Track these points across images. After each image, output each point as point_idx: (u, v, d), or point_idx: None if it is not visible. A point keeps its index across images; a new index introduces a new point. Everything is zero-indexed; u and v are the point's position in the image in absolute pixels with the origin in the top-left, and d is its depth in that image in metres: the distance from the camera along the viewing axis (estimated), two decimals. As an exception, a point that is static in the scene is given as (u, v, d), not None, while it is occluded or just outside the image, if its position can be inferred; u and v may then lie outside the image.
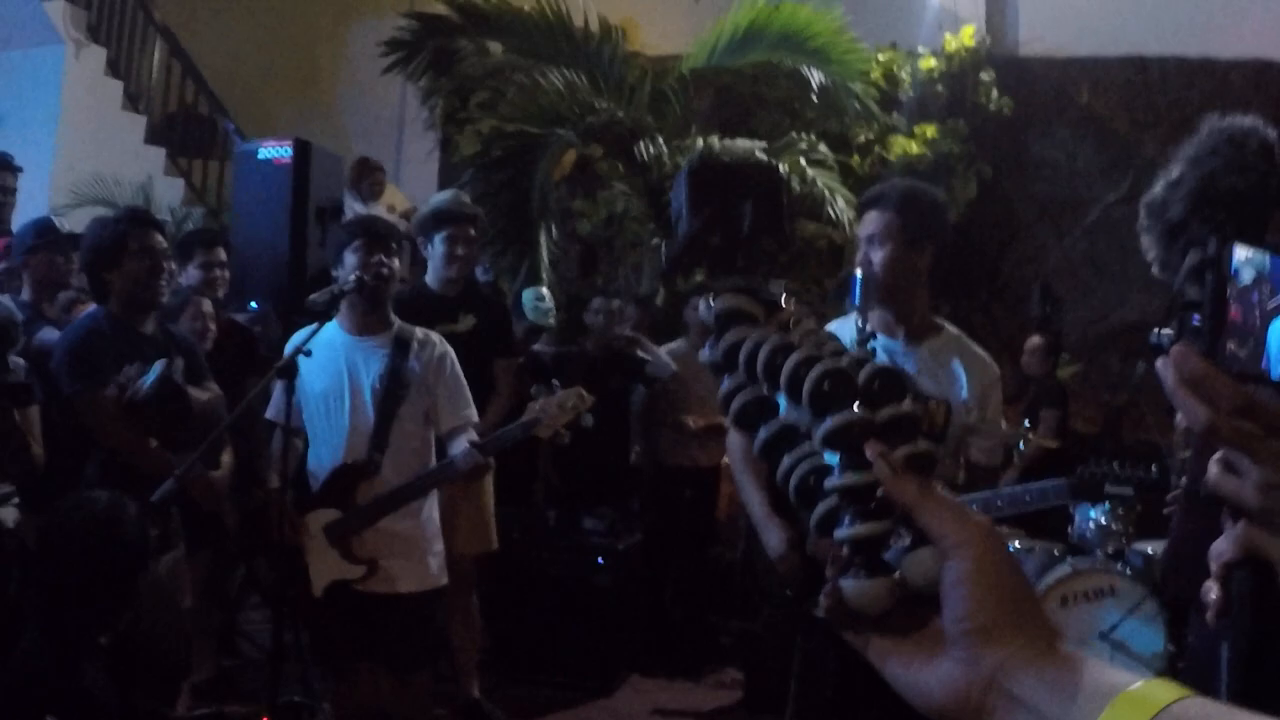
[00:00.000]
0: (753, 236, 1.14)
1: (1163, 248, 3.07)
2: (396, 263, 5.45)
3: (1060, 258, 11.78)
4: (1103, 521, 7.31)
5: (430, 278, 6.80)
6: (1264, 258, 1.28)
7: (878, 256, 4.35)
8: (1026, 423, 8.98)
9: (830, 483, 1.04)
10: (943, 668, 0.97)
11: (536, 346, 8.67)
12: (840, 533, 1.03)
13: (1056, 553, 7.23)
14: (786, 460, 1.07)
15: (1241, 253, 1.26)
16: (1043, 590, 6.75)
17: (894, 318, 4.44)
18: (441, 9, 11.35)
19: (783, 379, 1.07)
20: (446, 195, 7.63)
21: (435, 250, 6.75)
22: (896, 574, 1.01)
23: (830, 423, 1.03)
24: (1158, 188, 3.08)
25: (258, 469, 5.76)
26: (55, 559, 4.07)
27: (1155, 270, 3.20)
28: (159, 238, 5.51)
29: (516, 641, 7.96)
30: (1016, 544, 7.29)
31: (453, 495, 6.06)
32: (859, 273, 4.23)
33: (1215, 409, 1.14)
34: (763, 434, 1.10)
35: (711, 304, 1.13)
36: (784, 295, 1.14)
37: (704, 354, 1.15)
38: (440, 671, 6.20)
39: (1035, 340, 9.86)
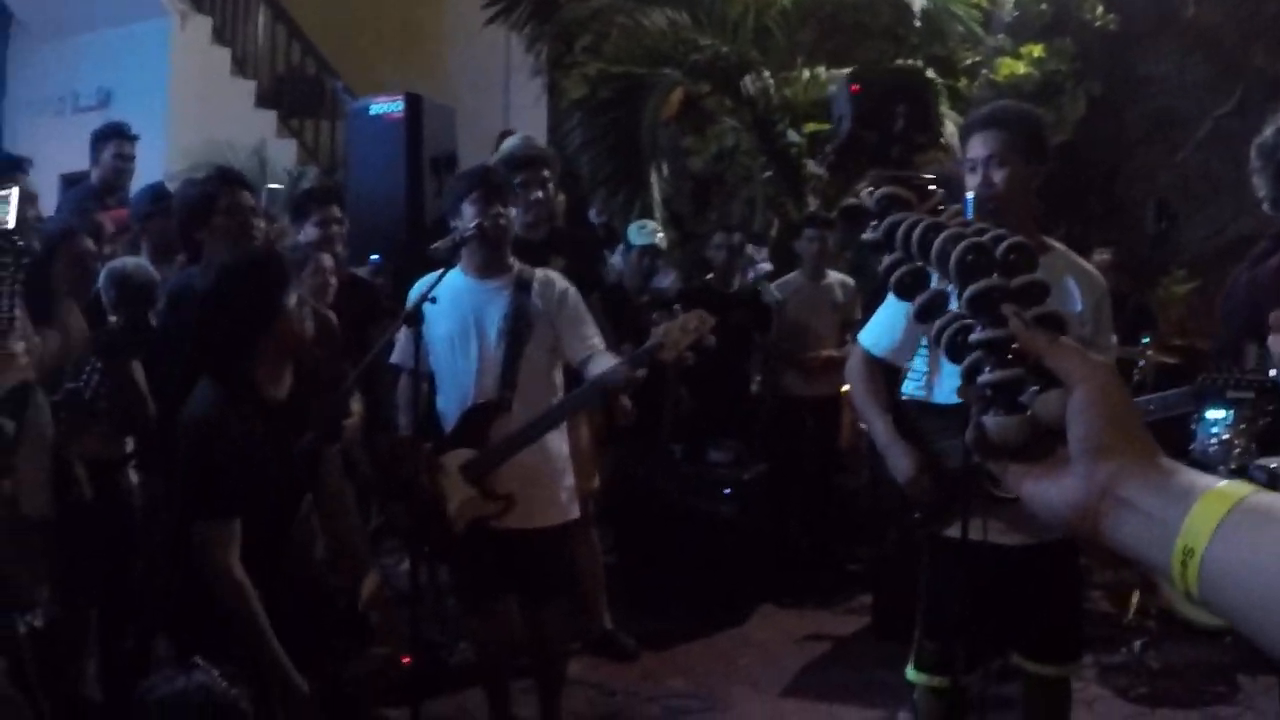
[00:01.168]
0: (906, 134, 1.27)
1: (1275, 187, 3.30)
2: (513, 211, 5.55)
3: (1173, 173, 11.65)
4: (1225, 436, 7.25)
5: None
6: None
7: (998, 175, 4.38)
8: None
9: (974, 338, 1.24)
10: (1066, 482, 1.18)
11: (659, 283, 8.74)
12: (983, 379, 1.23)
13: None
14: (938, 323, 1.28)
15: None
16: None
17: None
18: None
19: (933, 253, 1.28)
20: (516, 140, 7.70)
21: None
22: (1029, 412, 1.21)
23: (973, 289, 1.24)
24: (1268, 131, 3.11)
25: (386, 415, 5.89)
26: None
27: (1267, 208, 3.29)
28: (247, 195, 5.62)
29: (647, 574, 8.08)
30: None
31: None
32: (971, 194, 4.25)
33: None
34: (919, 300, 1.32)
35: (873, 191, 1.28)
36: (932, 182, 1.30)
37: (866, 235, 1.37)
38: (573, 604, 6.29)
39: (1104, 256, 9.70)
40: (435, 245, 5.19)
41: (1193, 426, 7.40)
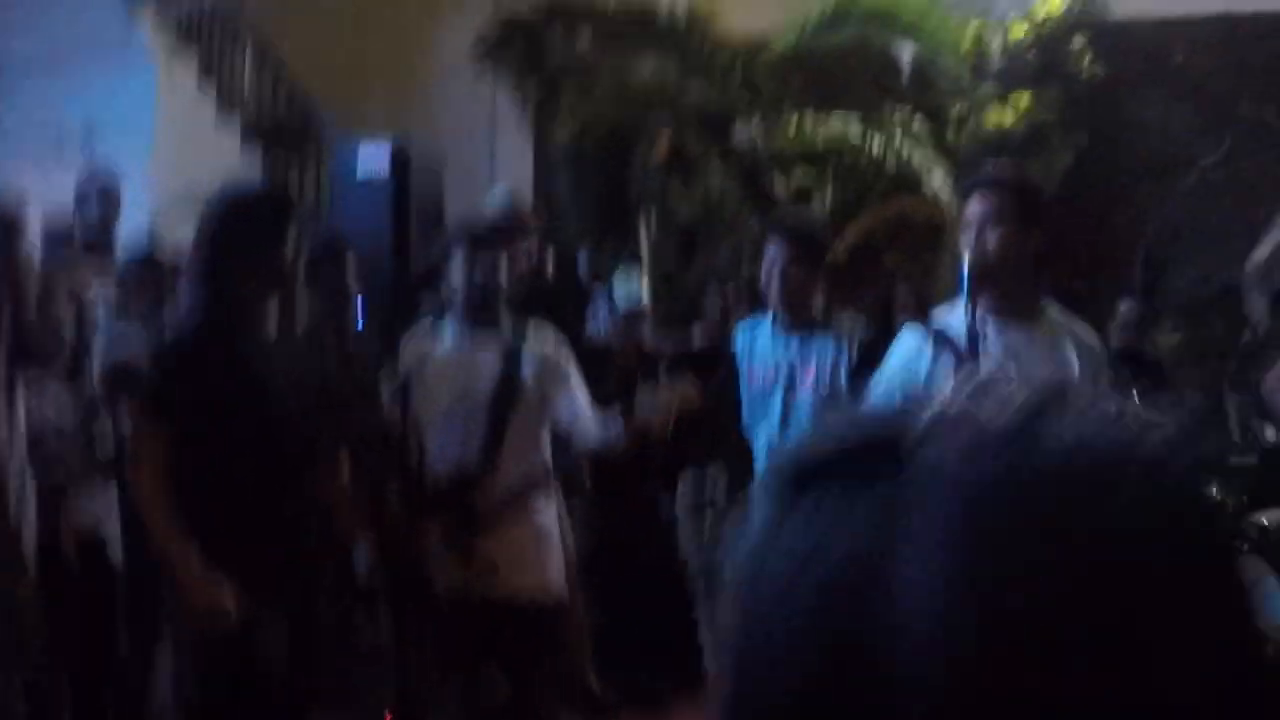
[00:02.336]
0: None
1: (1268, 314, 3.12)
2: (505, 263, 5.51)
3: (1160, 223, 11.62)
4: (1216, 495, 7.21)
5: None
6: None
7: (993, 238, 4.36)
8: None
9: None
10: None
11: (648, 335, 8.68)
12: None
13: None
14: None
15: None
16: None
17: (1005, 301, 4.45)
18: (526, 8, 11.37)
19: None
20: (500, 194, 7.68)
21: None
22: None
23: None
24: (1264, 249, 3.14)
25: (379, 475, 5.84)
26: None
27: (1257, 330, 3.34)
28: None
29: (633, 631, 8.01)
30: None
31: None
32: (966, 258, 4.22)
33: None
34: None
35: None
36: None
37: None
38: (557, 667, 6.23)
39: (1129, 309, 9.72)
40: (422, 308, 5.16)
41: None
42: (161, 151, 12.63)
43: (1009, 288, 4.45)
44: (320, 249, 5.60)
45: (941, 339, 4.50)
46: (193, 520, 4.12)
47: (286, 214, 4.48)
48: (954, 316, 4.50)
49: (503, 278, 5.50)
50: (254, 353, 4.34)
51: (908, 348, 4.66)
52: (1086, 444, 0.66)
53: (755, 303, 9.04)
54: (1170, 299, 11.16)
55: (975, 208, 4.46)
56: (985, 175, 4.75)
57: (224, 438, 4.19)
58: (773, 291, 5.56)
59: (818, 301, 5.71)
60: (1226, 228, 11.29)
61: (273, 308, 4.42)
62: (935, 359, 4.51)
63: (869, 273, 10.67)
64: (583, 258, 10.30)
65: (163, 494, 4.10)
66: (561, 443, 5.54)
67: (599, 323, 8.83)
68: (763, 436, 5.55)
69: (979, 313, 4.32)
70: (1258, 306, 3.29)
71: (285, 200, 4.48)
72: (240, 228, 4.42)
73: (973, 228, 4.42)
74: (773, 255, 5.58)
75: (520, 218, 7.12)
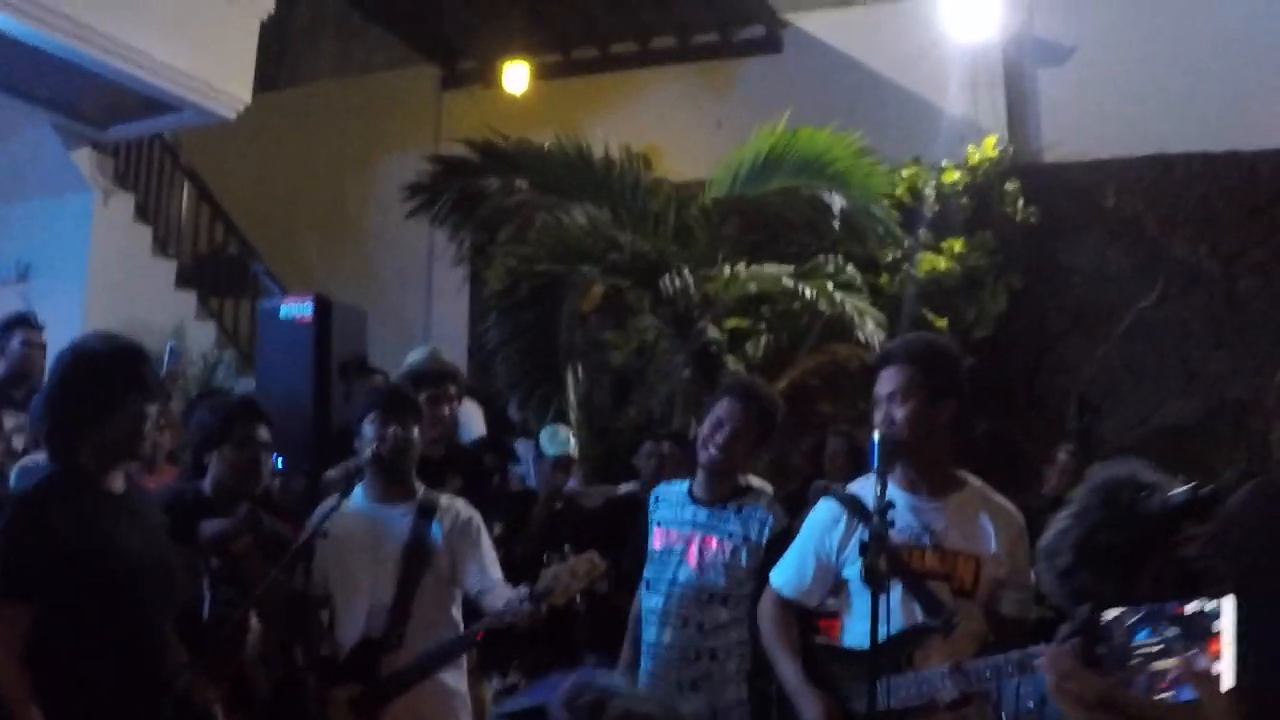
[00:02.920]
0: None
1: (1056, 591, 3.36)
2: (416, 432, 5.46)
3: (1095, 365, 11.64)
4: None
5: None
6: (1127, 611, 1.70)
7: (899, 414, 4.34)
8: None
9: None
10: None
11: (573, 489, 8.62)
12: None
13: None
14: None
15: (1110, 613, 1.67)
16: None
17: (918, 475, 4.43)
18: (462, 150, 11.39)
19: None
20: (422, 354, 7.68)
21: None
22: None
23: None
24: (1050, 534, 3.38)
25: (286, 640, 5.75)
26: None
27: (1050, 601, 3.57)
28: (264, 430, 5.47)
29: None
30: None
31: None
32: (876, 434, 4.17)
33: (1084, 703, 1.54)
34: None
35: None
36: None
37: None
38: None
39: (1065, 458, 9.71)
40: (328, 473, 5.11)
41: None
42: (95, 288, 12.54)
43: (918, 461, 4.43)
44: (237, 408, 5.53)
45: (856, 510, 4.47)
46: (44, 690, 3.99)
47: (135, 378, 4.29)
48: (865, 490, 4.48)
49: (416, 444, 5.47)
50: (100, 517, 4.20)
51: (822, 519, 4.63)
52: None
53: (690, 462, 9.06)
54: (1105, 443, 11.15)
55: (884, 384, 4.44)
56: (890, 349, 4.73)
57: (72, 606, 4.06)
58: (711, 449, 5.48)
59: (742, 474, 5.66)
60: (1161, 369, 11.36)
61: (117, 474, 4.29)
62: (849, 531, 4.48)
63: (801, 421, 10.66)
64: (512, 406, 10.29)
65: (14, 664, 3.97)
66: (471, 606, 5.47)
67: (526, 470, 8.79)
68: (653, 599, 5.52)
69: (888, 492, 4.33)
70: (1047, 582, 3.40)
71: (134, 362, 4.24)
72: (82, 396, 4.23)
73: (883, 403, 4.40)
74: (724, 413, 5.50)
75: (444, 370, 7.07)
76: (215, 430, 5.33)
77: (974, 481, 4.57)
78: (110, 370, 4.24)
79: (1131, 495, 3.30)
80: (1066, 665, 1.50)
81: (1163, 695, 1.61)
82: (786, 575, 4.68)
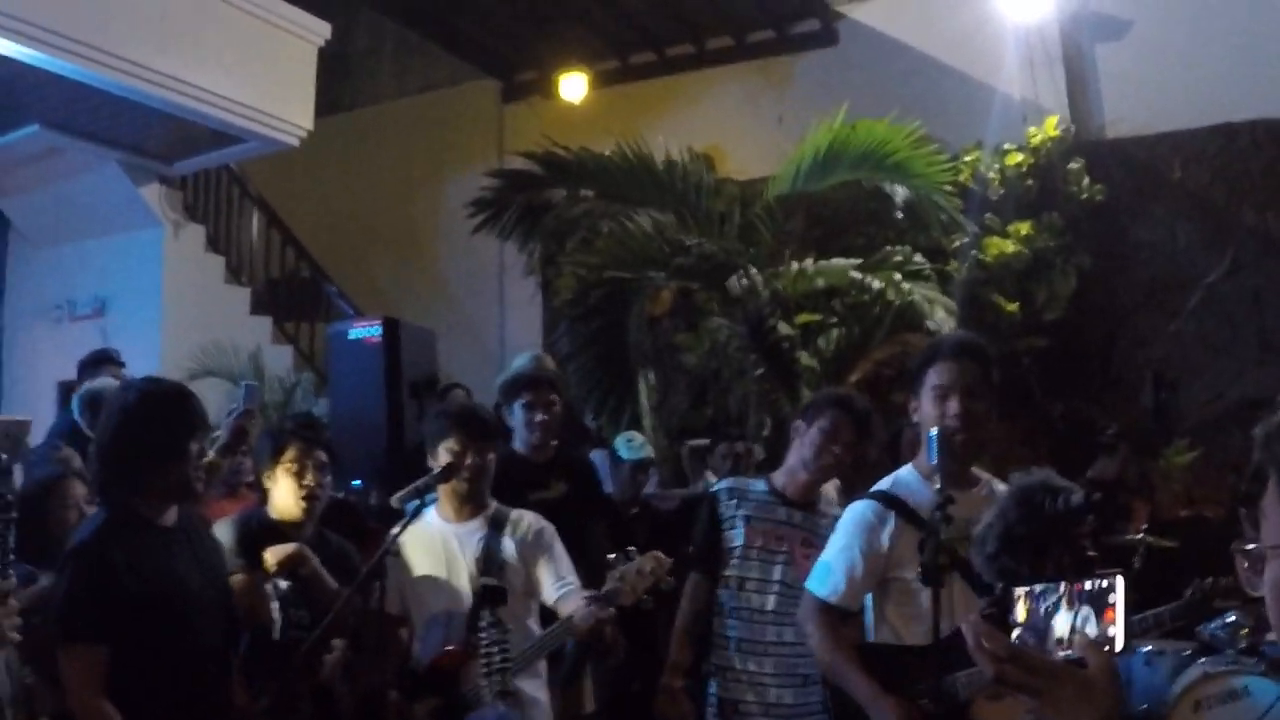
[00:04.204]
0: None
1: (985, 570, 4.17)
2: (491, 456, 5.50)
3: (1170, 340, 11.55)
4: (1232, 617, 7.11)
5: (518, 444, 6.74)
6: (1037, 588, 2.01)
7: (967, 409, 4.35)
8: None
9: None
10: None
11: (649, 493, 8.65)
12: None
13: (1188, 654, 7.06)
14: None
15: (1020, 590, 1.99)
16: (1175, 697, 6.65)
17: (963, 468, 4.51)
18: (525, 163, 11.46)
19: None
20: (525, 359, 7.68)
21: (517, 417, 6.74)
22: None
23: None
24: (980, 526, 4.18)
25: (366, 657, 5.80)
26: None
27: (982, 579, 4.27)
28: (320, 454, 5.48)
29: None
30: (1148, 647, 7.17)
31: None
32: (935, 430, 4.17)
33: (997, 658, 1.89)
34: None
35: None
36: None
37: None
38: None
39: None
40: (398, 494, 5.13)
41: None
42: (170, 319, 12.73)
43: (968, 456, 4.47)
44: (290, 431, 5.57)
45: (896, 507, 4.49)
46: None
47: (188, 423, 4.33)
48: (907, 485, 4.51)
49: (491, 467, 5.51)
50: (155, 554, 4.25)
51: (865, 519, 4.59)
52: None
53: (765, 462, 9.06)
54: (1184, 418, 11.08)
55: (944, 376, 4.43)
56: (955, 342, 4.72)
57: (137, 644, 4.12)
58: (826, 459, 5.48)
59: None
60: (1235, 341, 11.25)
61: (172, 511, 4.35)
62: (897, 528, 4.49)
63: (878, 413, 10.64)
64: (588, 416, 10.35)
65: (101, 700, 4.05)
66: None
67: (603, 476, 8.84)
68: (757, 599, 5.55)
69: (914, 479, 4.53)
70: (978, 564, 3.67)
71: (185, 407, 4.27)
72: (137, 447, 4.27)
73: (942, 396, 4.40)
74: (834, 425, 5.50)
75: (547, 376, 7.11)
76: (270, 454, 5.38)
77: (986, 477, 4.67)
78: (163, 419, 4.30)
79: (1042, 497, 4.12)
80: (984, 629, 1.91)
81: (1063, 654, 1.98)
82: (832, 580, 4.62)
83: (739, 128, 13.34)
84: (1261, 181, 11.48)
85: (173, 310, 12.93)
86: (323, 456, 5.41)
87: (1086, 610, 1.99)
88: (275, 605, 5.02)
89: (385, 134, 15.45)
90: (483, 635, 4.96)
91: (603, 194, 11.25)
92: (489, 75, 15.45)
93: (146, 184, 13.02)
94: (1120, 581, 1.99)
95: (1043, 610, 1.99)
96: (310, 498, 5.29)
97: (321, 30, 12.05)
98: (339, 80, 14.28)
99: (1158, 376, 11.16)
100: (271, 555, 5.04)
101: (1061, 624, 1.98)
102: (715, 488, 6.09)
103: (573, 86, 13.95)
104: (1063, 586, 1.99)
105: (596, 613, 4.98)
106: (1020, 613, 1.97)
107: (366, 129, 15.48)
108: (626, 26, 14.07)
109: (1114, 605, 1.99)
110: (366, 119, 15.66)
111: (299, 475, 5.27)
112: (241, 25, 11.33)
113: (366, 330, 8.62)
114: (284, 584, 5.06)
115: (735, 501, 5.75)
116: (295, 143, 11.99)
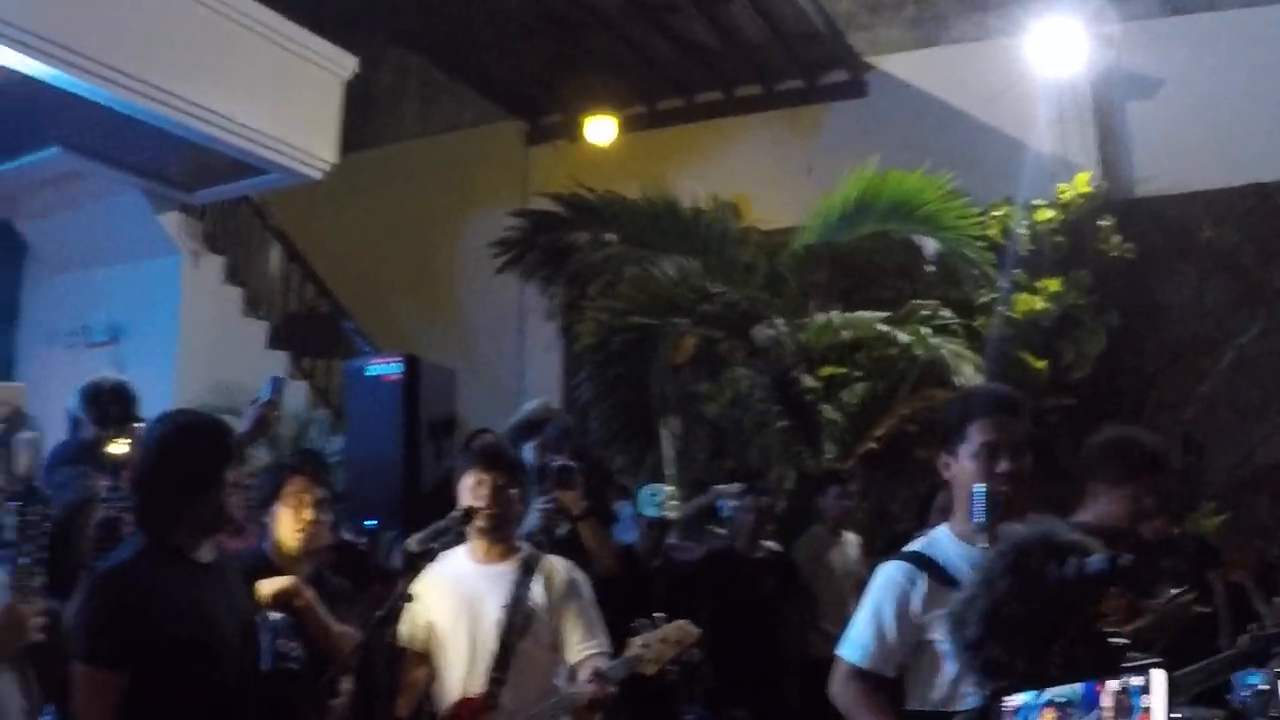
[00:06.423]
0: None
1: (965, 663, 3.24)
2: (515, 492, 5.37)
3: (1198, 403, 11.44)
4: (1262, 686, 6.94)
5: None
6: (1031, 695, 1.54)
7: (1009, 467, 4.18)
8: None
9: None
10: None
11: (672, 544, 8.53)
12: None
13: (1217, 722, 6.91)
14: None
15: (1011, 702, 1.50)
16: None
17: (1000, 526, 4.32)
18: (550, 205, 11.40)
19: None
20: (534, 404, 7.60)
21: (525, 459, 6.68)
22: None
23: None
24: (957, 600, 3.27)
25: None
26: None
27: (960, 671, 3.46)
28: (320, 490, 5.41)
29: None
30: (1178, 715, 7.01)
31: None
32: (983, 488, 4.01)
33: None
34: None
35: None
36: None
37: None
38: None
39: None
40: (414, 537, 5.02)
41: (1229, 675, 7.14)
42: (186, 350, 12.64)
43: (1010, 515, 4.29)
44: (289, 467, 5.50)
45: (927, 567, 4.29)
46: None
47: (224, 455, 4.30)
48: (941, 545, 4.33)
49: (515, 502, 5.39)
50: (191, 589, 4.18)
51: (898, 581, 4.40)
52: None
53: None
54: (1211, 480, 10.95)
55: (988, 434, 4.27)
56: (989, 398, 4.54)
57: (162, 678, 4.04)
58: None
59: None
60: (1264, 403, 11.14)
61: (208, 544, 4.29)
62: (930, 590, 4.27)
63: (900, 469, 10.54)
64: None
65: None
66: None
67: (624, 528, 8.71)
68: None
69: (949, 538, 4.20)
70: (955, 654, 3.22)
71: (221, 439, 4.25)
72: (174, 478, 4.23)
73: (986, 455, 4.24)
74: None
75: (555, 417, 7.05)
76: (269, 491, 5.29)
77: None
78: (200, 450, 4.28)
79: (1041, 561, 3.16)
80: None
81: None
82: (865, 645, 4.27)
83: (766, 176, 13.25)
84: (1293, 243, 11.40)
85: (188, 341, 12.82)
86: (323, 493, 5.33)
87: None
88: (268, 636, 4.91)
89: (409, 172, 15.36)
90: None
91: (627, 239, 11.18)
92: (515, 116, 15.38)
93: (166, 212, 12.89)
94: (1160, 678, 1.64)
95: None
96: (308, 532, 5.18)
97: (348, 64, 11.98)
98: (363, 117, 14.20)
99: (1186, 438, 11.02)
100: (264, 586, 4.94)
101: None
102: None
103: (599, 130, 13.86)
104: (1079, 689, 1.60)
105: (596, 693, 4.88)
106: None
107: (390, 166, 15.38)
108: (655, 72, 13.98)
109: (1149, 709, 1.62)
110: (390, 156, 15.57)
111: (298, 510, 5.16)
112: (268, 55, 11.25)
113: (385, 368, 8.50)
114: (275, 615, 4.96)
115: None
116: (319, 175, 11.90)
